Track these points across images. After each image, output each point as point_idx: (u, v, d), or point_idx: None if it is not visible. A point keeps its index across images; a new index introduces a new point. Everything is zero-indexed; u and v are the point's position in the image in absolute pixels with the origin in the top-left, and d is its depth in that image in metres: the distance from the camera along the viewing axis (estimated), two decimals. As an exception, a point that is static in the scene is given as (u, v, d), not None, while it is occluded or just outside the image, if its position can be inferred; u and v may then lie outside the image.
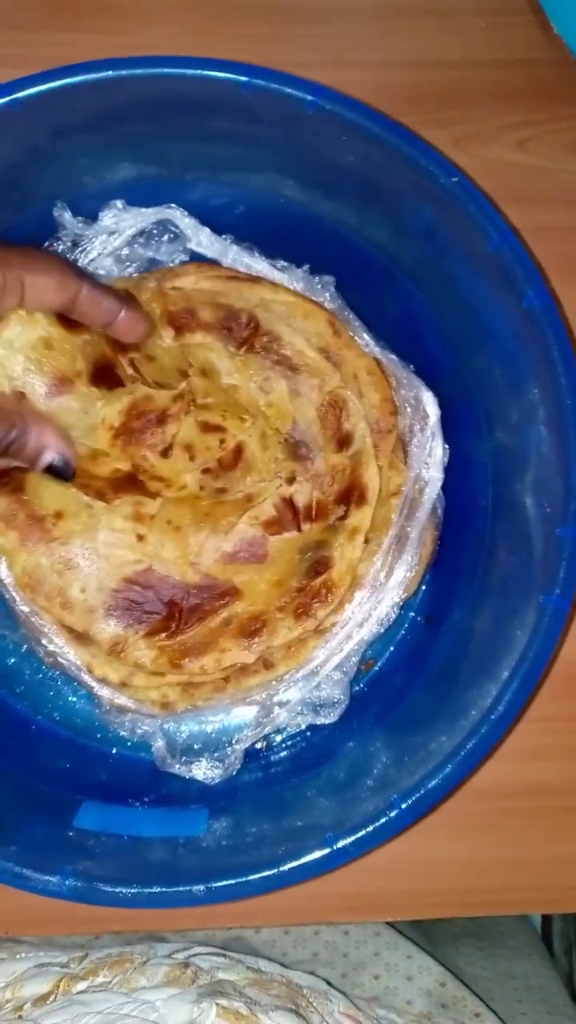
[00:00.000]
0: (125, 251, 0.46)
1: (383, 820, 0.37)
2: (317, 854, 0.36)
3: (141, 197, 0.45)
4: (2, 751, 0.45)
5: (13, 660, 0.48)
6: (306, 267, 0.46)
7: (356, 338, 0.46)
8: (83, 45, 0.53)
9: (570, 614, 0.48)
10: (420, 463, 0.45)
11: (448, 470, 0.45)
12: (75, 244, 0.45)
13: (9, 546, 0.42)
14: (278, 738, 0.47)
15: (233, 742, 0.44)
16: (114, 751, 0.47)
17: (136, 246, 0.46)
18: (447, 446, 0.45)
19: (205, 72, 0.39)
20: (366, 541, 0.45)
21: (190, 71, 0.39)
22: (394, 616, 0.44)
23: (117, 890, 0.36)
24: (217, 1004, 0.39)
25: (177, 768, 0.43)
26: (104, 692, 0.44)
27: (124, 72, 0.40)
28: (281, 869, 0.36)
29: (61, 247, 0.45)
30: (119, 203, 0.45)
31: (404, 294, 0.46)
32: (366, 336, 0.46)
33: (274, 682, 0.44)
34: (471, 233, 0.40)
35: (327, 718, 0.45)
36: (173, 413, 0.43)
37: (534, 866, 0.48)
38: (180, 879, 0.37)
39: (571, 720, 0.48)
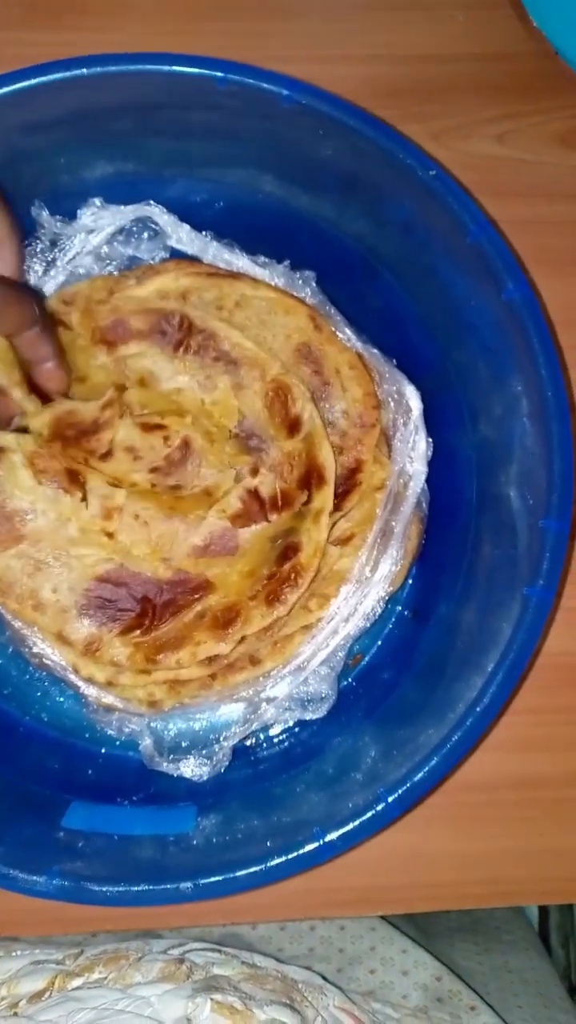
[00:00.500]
0: (105, 249, 0.46)
1: (370, 814, 0.37)
2: (304, 849, 0.36)
3: (120, 194, 0.45)
4: (-10, 752, 0.45)
5: (0, 662, 0.48)
6: (287, 263, 0.46)
7: (338, 333, 0.46)
8: (61, 43, 0.52)
9: (555, 606, 0.49)
10: (404, 457, 0.45)
11: (432, 464, 0.45)
12: (53, 243, 0.45)
13: None
14: (266, 734, 0.47)
15: (221, 739, 0.44)
16: (103, 750, 0.47)
17: (116, 244, 0.46)
18: (431, 440, 0.45)
19: (181, 68, 0.39)
20: (351, 536, 0.45)
21: (166, 67, 0.39)
22: (380, 610, 0.44)
23: (104, 889, 0.36)
24: (212, 999, 0.39)
25: (165, 766, 0.43)
26: (91, 692, 0.44)
27: (100, 69, 0.40)
28: (268, 864, 0.36)
29: (40, 246, 0.45)
30: (97, 201, 0.45)
31: (385, 288, 0.46)
32: (348, 331, 0.46)
33: (261, 678, 0.44)
34: (450, 226, 0.40)
35: (315, 713, 0.45)
36: (105, 420, 0.43)
37: (525, 858, 0.48)
38: (168, 877, 0.37)
39: (559, 712, 0.48)
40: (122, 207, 0.45)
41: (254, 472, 0.44)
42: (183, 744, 0.45)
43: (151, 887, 0.36)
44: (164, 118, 0.43)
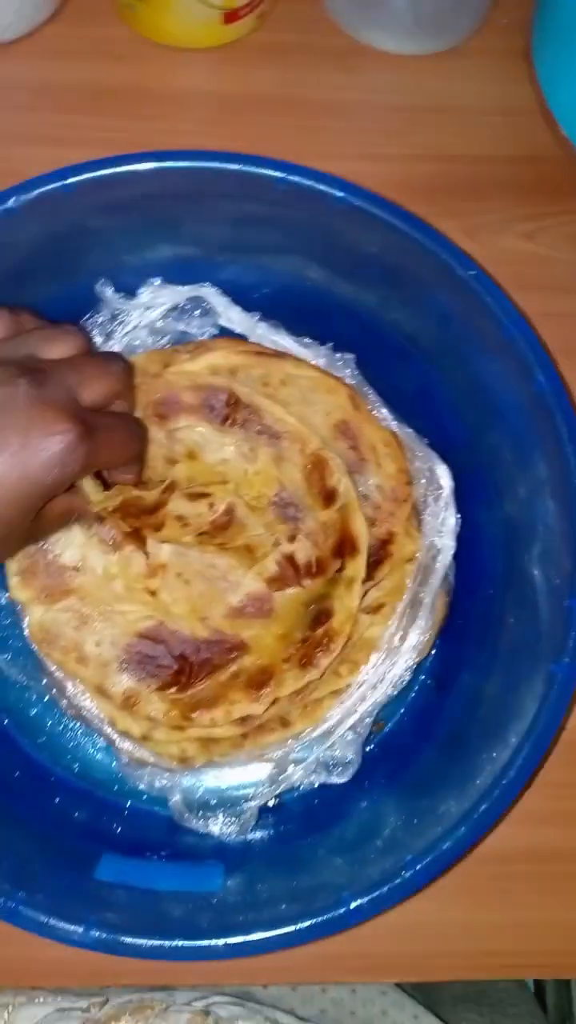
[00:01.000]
0: (159, 324, 0.49)
1: (397, 880, 0.38)
2: (333, 912, 0.37)
3: (177, 275, 0.48)
4: (26, 800, 0.46)
5: (35, 711, 0.49)
6: (329, 345, 0.49)
7: (375, 412, 0.48)
8: (123, 129, 0.56)
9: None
10: (434, 531, 0.47)
11: (459, 539, 0.47)
12: (113, 317, 0.48)
13: (27, 600, 0.45)
14: (291, 796, 0.48)
15: (248, 799, 0.46)
16: (128, 804, 0.48)
17: (169, 319, 0.49)
18: (459, 516, 0.48)
19: (245, 168, 0.43)
20: (381, 605, 0.47)
21: (231, 166, 0.42)
22: (407, 678, 0.46)
23: (139, 942, 0.37)
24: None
25: (195, 823, 0.44)
26: (125, 745, 0.45)
27: (172, 164, 0.43)
28: (299, 927, 0.37)
29: (101, 319, 0.48)
30: (157, 280, 0.48)
31: (420, 372, 0.49)
32: (384, 411, 0.49)
33: (290, 740, 0.46)
34: (486, 320, 0.43)
35: (340, 777, 0.46)
36: (162, 500, 0.46)
37: (539, 931, 0.48)
38: (199, 933, 0.38)
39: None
40: (179, 287, 0.48)
41: (291, 539, 0.46)
42: (212, 802, 0.46)
43: (185, 943, 0.37)
44: (223, 208, 0.46)
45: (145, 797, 0.48)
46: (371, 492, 0.48)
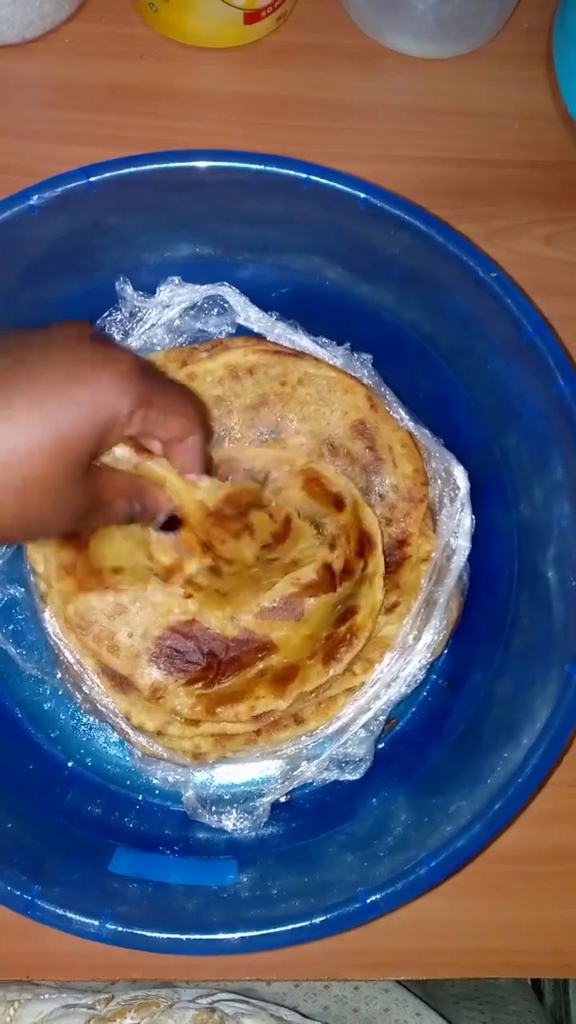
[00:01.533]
0: (177, 322, 0.49)
1: (413, 876, 0.38)
2: (348, 908, 0.38)
3: (196, 274, 0.48)
4: (40, 793, 0.46)
5: (49, 705, 0.49)
6: (347, 345, 0.49)
7: (392, 412, 0.49)
8: (143, 128, 0.57)
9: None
10: (449, 532, 0.47)
11: (475, 540, 0.48)
12: (132, 315, 0.48)
13: (66, 590, 0.45)
14: (303, 793, 0.48)
15: (260, 795, 0.46)
16: (141, 798, 0.49)
17: (187, 318, 0.50)
18: (474, 517, 0.48)
19: (268, 168, 0.43)
20: (396, 605, 0.47)
21: (256, 166, 0.43)
22: (421, 677, 0.46)
23: (155, 935, 0.37)
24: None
25: (208, 818, 0.45)
26: (139, 740, 0.46)
27: (191, 163, 0.43)
28: (314, 921, 0.37)
29: (119, 316, 0.48)
30: (176, 279, 0.48)
31: (438, 373, 0.49)
32: (401, 411, 0.49)
33: (304, 737, 0.46)
34: (506, 323, 0.43)
35: (352, 775, 0.46)
36: (256, 504, 0.45)
37: (548, 930, 0.49)
38: (213, 927, 0.38)
39: (586, 785, 0.50)
40: (198, 286, 0.48)
41: (332, 547, 0.46)
42: (224, 797, 0.47)
43: (200, 937, 0.37)
44: (244, 208, 0.46)
45: (158, 792, 0.48)
46: (387, 492, 0.48)
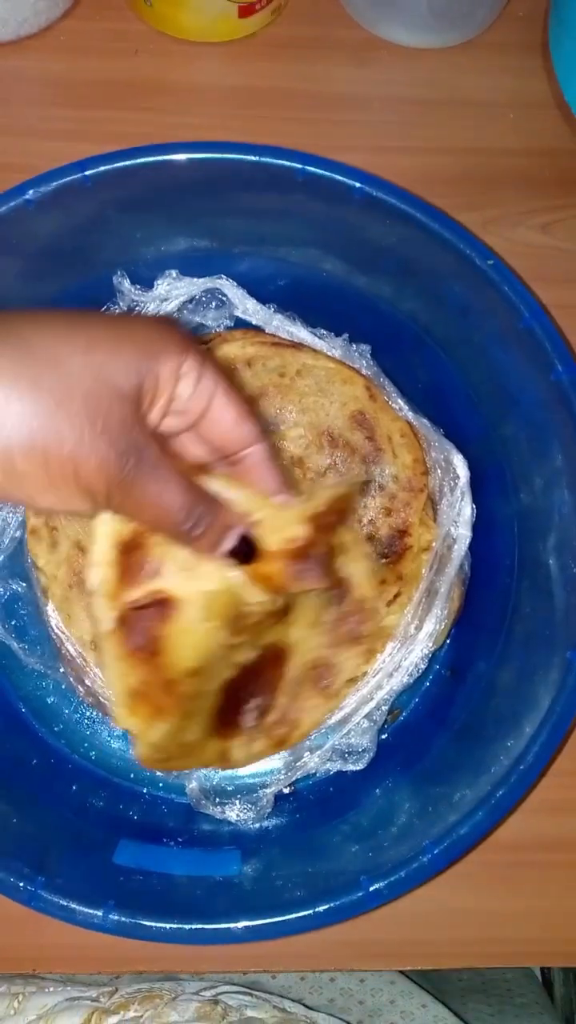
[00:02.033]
0: (175, 316, 0.49)
1: (415, 865, 0.38)
2: (352, 896, 0.38)
3: (194, 267, 0.48)
4: (43, 786, 0.46)
5: (52, 699, 0.49)
6: (345, 336, 0.49)
7: (391, 403, 0.49)
8: (139, 123, 0.57)
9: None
10: (450, 521, 0.47)
11: (475, 529, 0.48)
12: (130, 309, 0.48)
13: (141, 725, 0.37)
14: (306, 784, 0.48)
15: (264, 787, 0.46)
16: (145, 791, 0.49)
17: (185, 311, 0.50)
18: (475, 506, 0.48)
19: (264, 159, 0.43)
20: (398, 594, 0.47)
21: (252, 157, 0.43)
22: (423, 667, 0.46)
23: (158, 925, 0.37)
24: (248, 1042, 0.40)
25: (212, 809, 0.45)
26: (142, 733, 0.46)
27: (189, 156, 0.43)
28: (317, 910, 0.38)
29: (117, 310, 0.48)
30: (174, 272, 0.48)
31: (437, 363, 0.49)
32: (400, 401, 0.49)
33: (307, 728, 0.46)
34: (503, 311, 0.43)
35: (355, 765, 0.46)
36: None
37: (551, 920, 0.49)
38: (217, 917, 0.38)
39: (589, 775, 0.50)
40: (195, 279, 0.48)
41: None
42: (228, 789, 0.47)
43: (204, 926, 0.37)
44: (241, 200, 0.46)
45: (162, 785, 0.48)
46: (387, 482, 0.48)
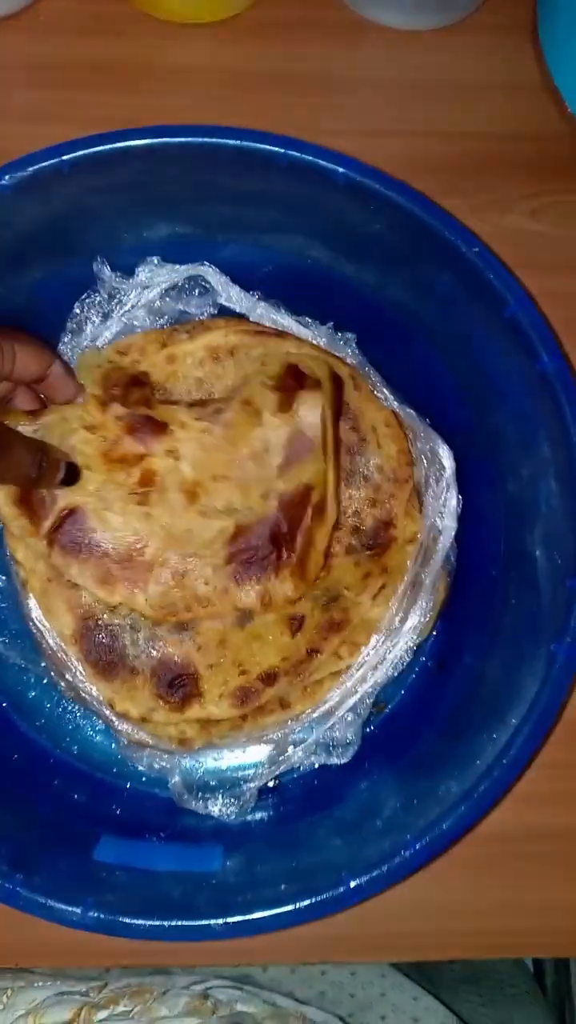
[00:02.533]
0: (157, 303, 0.49)
1: (397, 860, 0.38)
2: (333, 892, 0.37)
3: (176, 254, 0.48)
4: (24, 782, 0.46)
5: (34, 693, 0.49)
6: (330, 324, 0.49)
7: (376, 392, 0.48)
8: (121, 105, 0.55)
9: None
10: (435, 513, 0.47)
11: (461, 520, 0.47)
12: (111, 296, 0.48)
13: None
14: (290, 777, 0.48)
15: (248, 781, 0.46)
16: (128, 785, 0.48)
17: (168, 299, 0.49)
18: (461, 497, 0.47)
19: (246, 143, 0.42)
20: (382, 587, 0.46)
21: (233, 141, 0.42)
22: (408, 660, 0.46)
23: (137, 922, 0.37)
24: (238, 1035, 0.40)
25: (194, 804, 0.44)
26: (123, 727, 0.45)
27: (168, 140, 0.42)
28: (298, 906, 0.37)
29: (98, 299, 0.48)
30: (155, 259, 0.47)
31: (422, 352, 0.48)
32: (385, 391, 0.48)
33: (290, 721, 0.46)
34: (489, 299, 0.42)
35: (340, 759, 0.46)
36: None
37: (538, 911, 0.49)
38: (198, 913, 0.38)
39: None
40: (177, 266, 0.47)
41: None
42: (211, 783, 0.46)
43: (183, 923, 0.37)
44: (223, 186, 0.45)
45: (144, 779, 0.48)
46: (371, 473, 0.48)
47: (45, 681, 0.48)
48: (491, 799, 0.38)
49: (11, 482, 0.43)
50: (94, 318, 0.48)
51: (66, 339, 0.48)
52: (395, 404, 0.48)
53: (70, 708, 0.49)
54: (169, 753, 0.46)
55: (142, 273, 0.47)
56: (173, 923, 0.37)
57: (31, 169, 0.42)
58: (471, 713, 0.45)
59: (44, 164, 0.42)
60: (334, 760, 0.46)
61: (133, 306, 0.48)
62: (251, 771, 0.47)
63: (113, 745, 0.48)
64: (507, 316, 0.42)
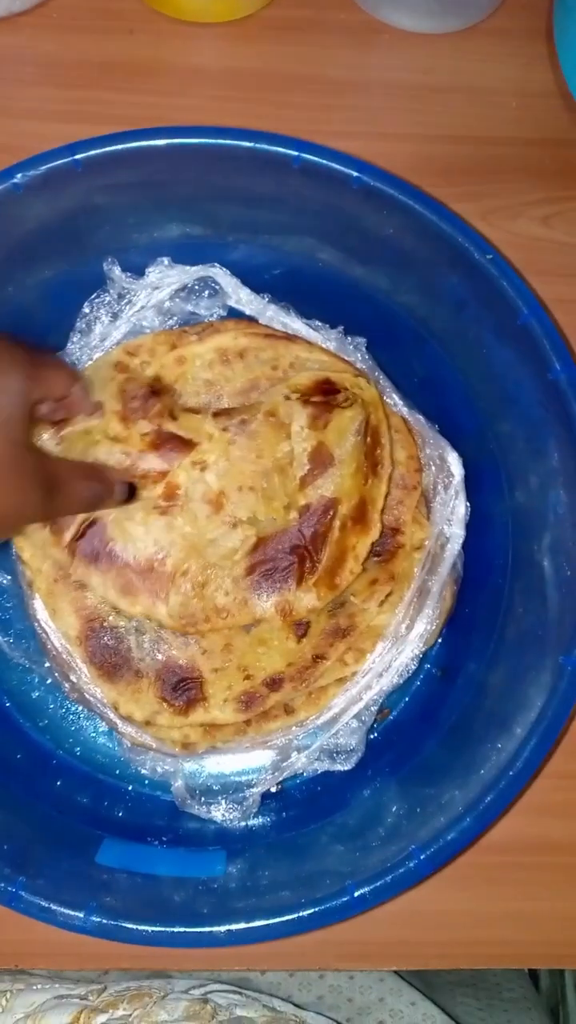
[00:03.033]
0: (167, 304, 0.48)
1: (402, 870, 0.38)
2: (337, 901, 0.37)
3: (186, 255, 0.47)
4: (27, 783, 0.46)
5: (37, 694, 0.49)
6: (340, 328, 0.48)
7: (385, 398, 0.48)
8: (133, 104, 0.55)
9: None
10: (443, 519, 0.47)
11: (469, 527, 0.47)
12: (121, 296, 0.47)
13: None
14: (293, 783, 0.48)
15: (251, 786, 0.45)
16: (130, 788, 0.48)
17: (178, 300, 0.48)
18: (469, 504, 0.47)
19: (261, 145, 0.42)
20: (389, 594, 0.46)
21: (246, 143, 0.42)
22: (413, 667, 0.46)
23: (140, 928, 0.37)
24: (237, 1040, 0.40)
25: (197, 809, 0.44)
26: (127, 729, 0.45)
27: (182, 140, 0.42)
28: (301, 915, 0.37)
29: (108, 299, 0.47)
30: (166, 260, 0.47)
31: (433, 358, 0.48)
32: (395, 396, 0.48)
33: (294, 727, 0.45)
34: (502, 306, 0.42)
35: (343, 765, 0.46)
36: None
37: (539, 922, 0.48)
38: (201, 920, 0.37)
39: (579, 777, 0.50)
40: (188, 267, 0.47)
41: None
42: (214, 788, 0.46)
43: (186, 929, 0.37)
44: (235, 187, 0.45)
45: (147, 782, 0.48)
46: (380, 479, 0.47)
47: (49, 682, 0.48)
48: (496, 811, 0.38)
49: (73, 513, 0.43)
50: (103, 318, 0.47)
51: (75, 338, 0.48)
52: (404, 410, 0.48)
53: (73, 709, 0.49)
54: (172, 757, 0.45)
55: (152, 274, 0.47)
56: (176, 929, 0.37)
57: (44, 168, 0.42)
58: (475, 722, 0.45)
59: (57, 163, 0.42)
60: (338, 767, 0.46)
61: (143, 307, 0.48)
62: (254, 776, 0.46)
63: (116, 748, 0.48)
64: (520, 324, 0.42)
